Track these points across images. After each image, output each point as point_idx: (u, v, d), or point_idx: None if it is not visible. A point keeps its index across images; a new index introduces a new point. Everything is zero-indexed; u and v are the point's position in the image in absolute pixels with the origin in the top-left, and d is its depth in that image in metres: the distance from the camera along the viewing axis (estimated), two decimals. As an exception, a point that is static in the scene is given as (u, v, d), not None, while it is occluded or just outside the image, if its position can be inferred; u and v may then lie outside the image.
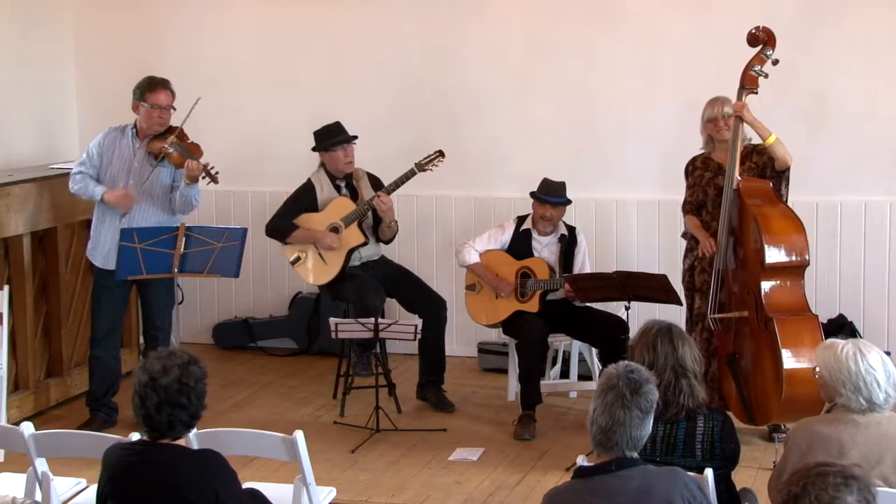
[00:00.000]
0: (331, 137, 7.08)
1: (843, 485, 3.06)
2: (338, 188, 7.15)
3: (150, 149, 6.63)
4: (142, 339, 7.34)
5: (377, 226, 7.14)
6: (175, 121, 6.73)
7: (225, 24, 8.45)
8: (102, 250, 6.71)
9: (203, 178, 6.61)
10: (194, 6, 8.50)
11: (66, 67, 8.48)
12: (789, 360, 5.73)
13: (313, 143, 7.17)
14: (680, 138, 7.44)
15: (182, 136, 6.66)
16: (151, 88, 6.65)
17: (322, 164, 7.18)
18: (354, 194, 7.14)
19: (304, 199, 7.13)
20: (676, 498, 3.60)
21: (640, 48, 7.71)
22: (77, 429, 6.64)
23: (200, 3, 8.49)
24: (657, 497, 3.58)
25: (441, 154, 7.07)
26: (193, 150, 6.65)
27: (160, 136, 6.65)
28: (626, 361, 3.83)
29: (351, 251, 7.06)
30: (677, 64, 7.62)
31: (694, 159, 6.53)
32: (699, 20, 7.61)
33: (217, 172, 6.61)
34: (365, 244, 7.08)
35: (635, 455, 3.66)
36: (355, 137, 7.12)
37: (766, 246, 5.93)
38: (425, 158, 7.05)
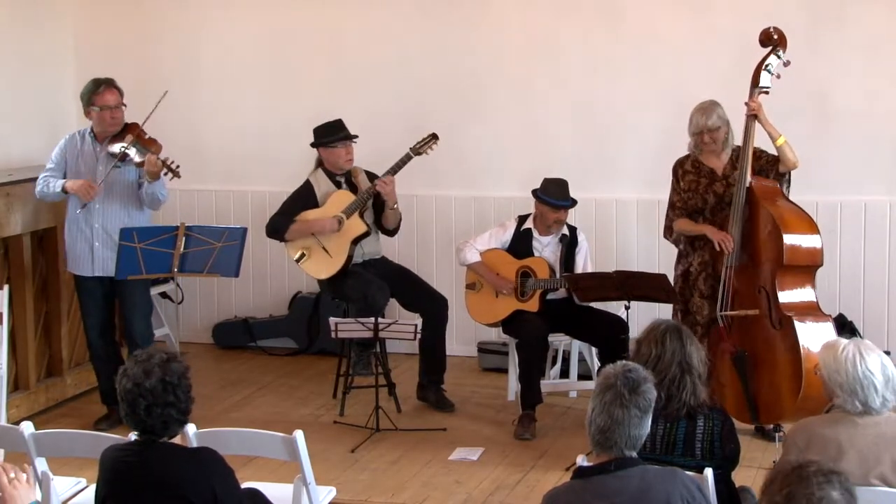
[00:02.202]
0: (333, 133, 7.08)
1: (825, 482, 3.06)
2: (338, 184, 7.14)
3: (111, 150, 6.59)
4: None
5: (378, 218, 7.14)
6: (140, 117, 6.66)
7: (225, 23, 8.46)
8: (73, 255, 6.72)
9: (165, 174, 6.57)
10: (194, 6, 8.50)
11: (66, 67, 8.48)
12: (808, 360, 5.74)
13: (313, 140, 7.17)
14: (680, 138, 7.42)
15: (140, 134, 6.59)
16: (97, 91, 6.59)
17: (320, 163, 7.17)
18: (354, 190, 7.14)
19: (303, 197, 7.12)
20: (676, 498, 3.60)
21: (641, 48, 7.70)
22: (95, 422, 6.69)
23: (200, 3, 8.49)
24: (656, 497, 3.58)
25: (435, 137, 7.06)
26: (151, 146, 6.58)
27: (118, 136, 6.62)
28: (624, 361, 3.83)
29: (355, 242, 7.06)
30: (677, 64, 7.62)
31: (682, 162, 6.49)
32: (699, 20, 7.61)
33: (178, 166, 6.54)
34: (367, 234, 7.08)
35: (634, 454, 3.66)
36: (356, 137, 7.12)
37: (785, 245, 5.95)
38: (420, 142, 7.05)
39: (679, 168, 6.50)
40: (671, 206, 6.54)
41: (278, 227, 7.11)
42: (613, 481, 3.60)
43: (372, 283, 6.96)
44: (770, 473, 3.19)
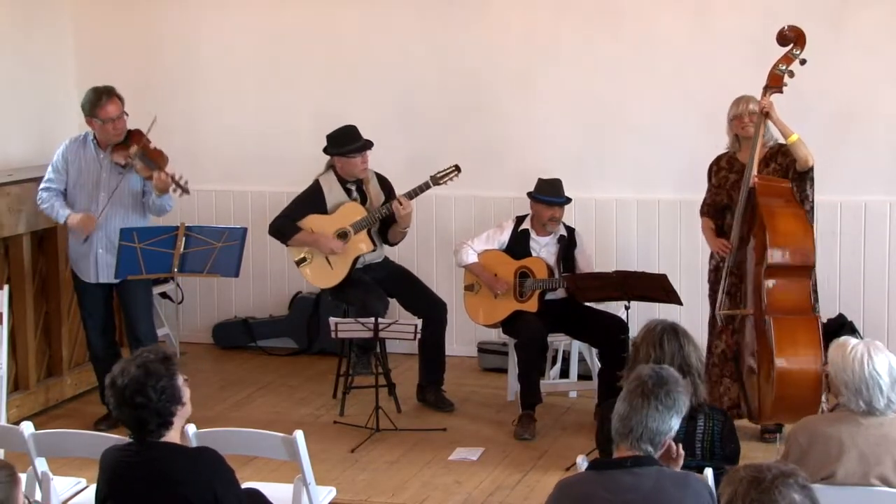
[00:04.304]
0: (349, 142, 7.00)
1: (784, 487, 3.04)
2: (348, 192, 7.08)
3: (116, 159, 6.58)
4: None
5: (383, 230, 7.13)
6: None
7: (225, 24, 8.45)
8: (75, 261, 6.73)
9: (174, 190, 6.55)
10: (194, 6, 8.49)
11: (66, 67, 8.48)
12: (781, 361, 5.71)
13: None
14: (680, 138, 7.45)
15: (145, 144, 6.55)
16: (98, 104, 6.53)
17: (331, 166, 7.12)
18: (364, 198, 7.11)
19: (311, 200, 7.07)
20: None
21: (640, 48, 7.70)
22: (95, 423, 6.69)
23: (200, 3, 8.49)
24: (668, 501, 3.57)
25: (457, 169, 7.00)
26: (158, 159, 6.55)
27: (122, 144, 6.60)
28: (662, 365, 3.86)
29: (357, 257, 7.05)
30: (677, 63, 7.62)
31: (719, 159, 6.50)
32: (699, 20, 7.60)
33: (186, 182, 6.53)
34: (373, 252, 7.08)
35: (651, 450, 3.64)
36: (372, 144, 7.06)
37: (769, 245, 5.92)
38: (441, 172, 6.98)
39: (714, 165, 6.50)
40: (703, 203, 6.55)
41: (284, 232, 7.07)
42: (627, 477, 3.59)
43: (372, 292, 6.93)
44: (727, 493, 3.12)
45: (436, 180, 6.97)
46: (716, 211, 6.45)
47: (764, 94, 6.17)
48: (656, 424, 3.63)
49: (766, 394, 5.84)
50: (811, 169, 6.22)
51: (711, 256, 6.55)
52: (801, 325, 5.87)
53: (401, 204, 6.88)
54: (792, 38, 6.15)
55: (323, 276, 7.07)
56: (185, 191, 6.55)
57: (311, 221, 7.04)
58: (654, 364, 3.80)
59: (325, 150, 7.09)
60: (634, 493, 3.56)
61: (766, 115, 6.14)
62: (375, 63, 8.17)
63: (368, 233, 7.03)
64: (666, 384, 3.68)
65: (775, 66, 6.15)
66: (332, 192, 7.07)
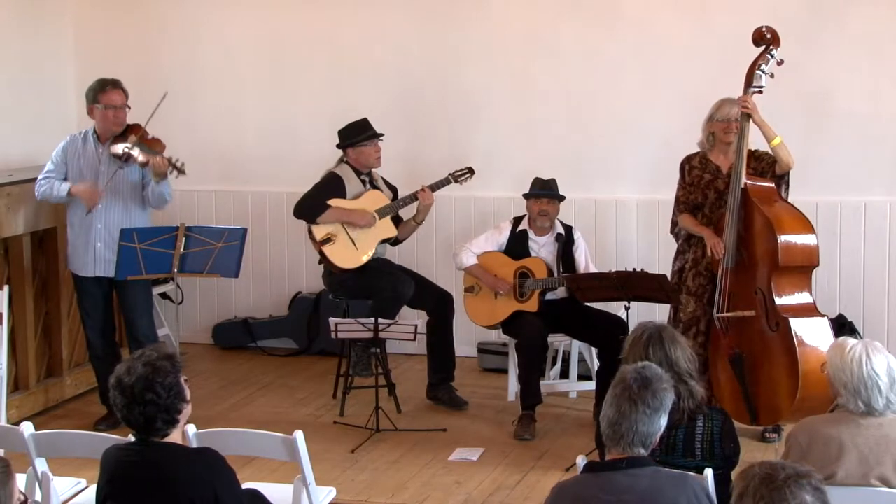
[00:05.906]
0: (361, 132, 7.10)
1: (797, 487, 3.04)
2: (363, 182, 7.15)
3: (114, 151, 6.58)
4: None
5: (396, 224, 7.17)
6: (141, 119, 6.63)
7: (225, 24, 8.46)
8: (74, 255, 6.73)
9: (171, 172, 6.56)
10: (194, 6, 8.50)
11: (66, 67, 8.49)
12: (805, 361, 5.74)
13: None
14: (680, 138, 7.42)
15: (142, 134, 6.57)
16: (103, 90, 6.58)
17: (344, 160, 7.15)
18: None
19: (333, 186, 7.08)
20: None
21: (640, 48, 7.71)
22: (95, 423, 6.69)
23: (200, 3, 8.49)
24: (665, 500, 3.57)
25: (470, 171, 7.24)
26: (155, 146, 6.57)
27: (121, 137, 6.61)
28: (644, 362, 3.85)
29: (381, 243, 7.09)
30: (677, 64, 7.62)
31: (690, 158, 6.50)
32: (699, 20, 7.61)
33: (183, 164, 6.54)
34: (393, 238, 7.12)
35: (643, 452, 3.65)
36: (382, 135, 7.15)
37: (780, 246, 5.93)
38: (458, 171, 7.22)
39: (687, 164, 6.51)
40: (676, 200, 6.55)
41: (313, 209, 7.04)
42: (623, 479, 3.59)
43: (396, 276, 6.99)
44: (739, 487, 3.13)
45: (455, 177, 7.19)
46: (689, 209, 6.45)
47: (745, 94, 6.16)
48: (646, 427, 3.64)
49: (784, 395, 5.85)
50: (789, 172, 6.24)
51: (676, 258, 6.54)
52: (817, 324, 5.92)
53: (425, 192, 7.05)
54: (768, 38, 6.16)
55: (347, 256, 7.06)
56: (181, 172, 6.55)
57: (336, 204, 7.06)
58: (641, 364, 3.77)
59: (339, 145, 7.14)
60: (631, 494, 3.56)
61: (748, 116, 6.14)
62: (375, 63, 8.18)
63: (391, 220, 7.07)
64: (650, 384, 3.67)
65: (755, 65, 6.16)
66: (351, 181, 7.12)
